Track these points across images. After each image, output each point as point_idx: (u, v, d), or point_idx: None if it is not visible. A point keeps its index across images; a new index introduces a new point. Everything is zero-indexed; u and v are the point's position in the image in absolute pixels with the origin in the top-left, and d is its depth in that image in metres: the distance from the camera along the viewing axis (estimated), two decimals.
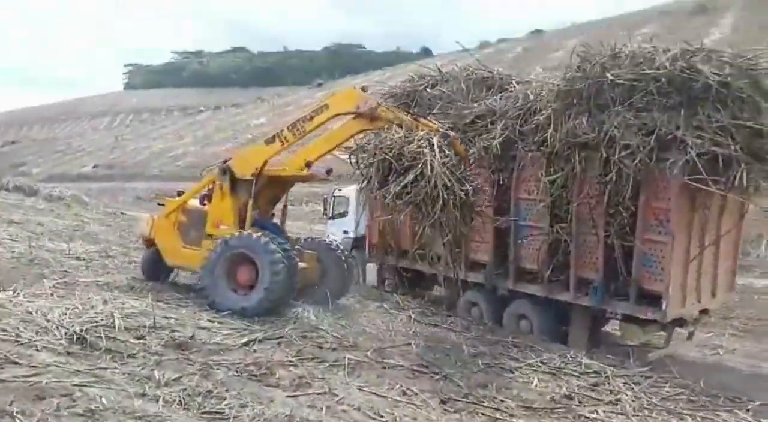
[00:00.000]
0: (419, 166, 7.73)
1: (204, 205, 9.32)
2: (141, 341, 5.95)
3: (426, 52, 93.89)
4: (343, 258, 9.97)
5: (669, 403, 5.86)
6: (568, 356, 7.24)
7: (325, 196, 14.70)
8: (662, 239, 8.05)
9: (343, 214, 13.81)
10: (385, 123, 8.54)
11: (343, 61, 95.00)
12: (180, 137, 54.84)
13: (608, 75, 8.41)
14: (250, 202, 8.76)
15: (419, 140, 7.96)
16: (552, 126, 8.90)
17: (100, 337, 5.68)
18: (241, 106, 65.03)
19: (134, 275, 9.78)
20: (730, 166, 7.41)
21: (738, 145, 7.38)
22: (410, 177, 7.76)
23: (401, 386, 5.68)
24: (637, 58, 8.41)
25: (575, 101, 8.69)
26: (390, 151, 8.00)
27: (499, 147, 9.57)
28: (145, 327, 6.28)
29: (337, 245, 10.37)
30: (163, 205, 9.69)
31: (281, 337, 6.78)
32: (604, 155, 8.30)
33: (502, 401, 5.61)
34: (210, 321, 7.09)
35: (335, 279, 9.77)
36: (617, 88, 8.37)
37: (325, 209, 14.36)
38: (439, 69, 12.02)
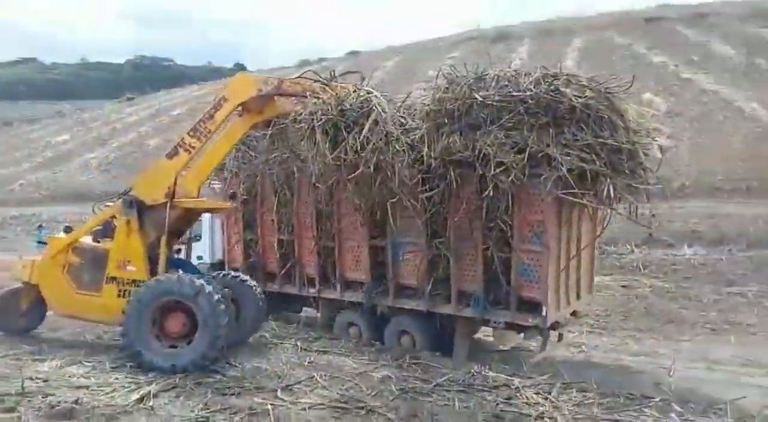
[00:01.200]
0: (371, 112, 7.65)
1: (98, 242, 8.09)
2: (12, 415, 4.89)
3: (240, 68, 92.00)
4: (258, 292, 9.23)
5: (586, 409, 6.18)
6: (472, 371, 7.35)
7: None
8: (538, 249, 8.55)
9: (196, 238, 12.87)
10: (280, 109, 8.32)
11: (150, 74, 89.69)
12: None
13: (477, 96, 8.82)
14: (164, 239, 7.73)
15: (354, 93, 7.72)
16: (426, 144, 9.08)
17: None
18: (38, 120, 58.19)
19: None
20: (596, 180, 8.09)
21: (602, 160, 8.08)
22: (369, 122, 7.57)
23: None
24: (502, 81, 8.91)
25: (446, 121, 8.96)
26: (331, 111, 7.60)
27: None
28: (11, 394, 5.19)
29: (248, 278, 9.52)
30: (44, 243, 8.35)
31: (175, 387, 6.01)
32: (480, 172, 8.66)
33: None
34: (84, 377, 6.08)
35: (251, 317, 9.00)
36: (486, 108, 8.79)
37: None
38: None
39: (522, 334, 9.35)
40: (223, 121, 8.09)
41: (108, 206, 8.05)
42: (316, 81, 8.71)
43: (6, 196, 36.23)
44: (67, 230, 8.77)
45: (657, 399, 6.48)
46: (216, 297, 7.26)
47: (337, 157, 7.85)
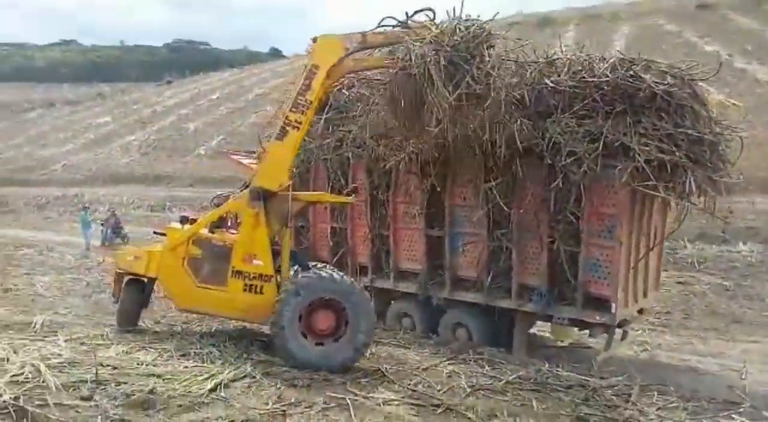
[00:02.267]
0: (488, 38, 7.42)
1: (213, 233, 7.76)
2: (90, 403, 4.79)
3: (276, 53, 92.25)
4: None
5: (671, 414, 5.88)
6: (543, 369, 7.08)
7: (207, 203, 13.56)
8: (609, 244, 8.17)
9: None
10: (346, 68, 7.96)
11: (188, 58, 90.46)
12: (9, 137, 48.62)
13: (548, 81, 8.46)
14: (288, 232, 7.47)
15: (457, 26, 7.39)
16: (490, 131, 8.75)
17: (46, 403, 4.46)
18: (80, 102, 59.11)
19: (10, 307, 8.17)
20: (675, 172, 7.68)
21: (682, 151, 7.66)
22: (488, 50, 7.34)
23: None
24: (575, 66, 8.53)
25: (514, 107, 8.62)
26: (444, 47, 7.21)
27: (431, 152, 9.27)
28: (85, 382, 5.10)
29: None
30: (162, 234, 8.02)
31: (245, 376, 5.87)
32: (549, 162, 8.32)
33: None
34: (154, 364, 5.97)
35: None
36: (558, 94, 8.44)
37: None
38: None
39: (587, 331, 9.03)
40: (320, 89, 7.68)
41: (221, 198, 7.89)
42: (395, 26, 7.99)
43: (50, 176, 36.94)
44: (183, 220, 8.41)
45: (747, 405, 6.13)
46: (368, 299, 7.26)
47: (460, 95, 7.25)
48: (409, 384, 6.30)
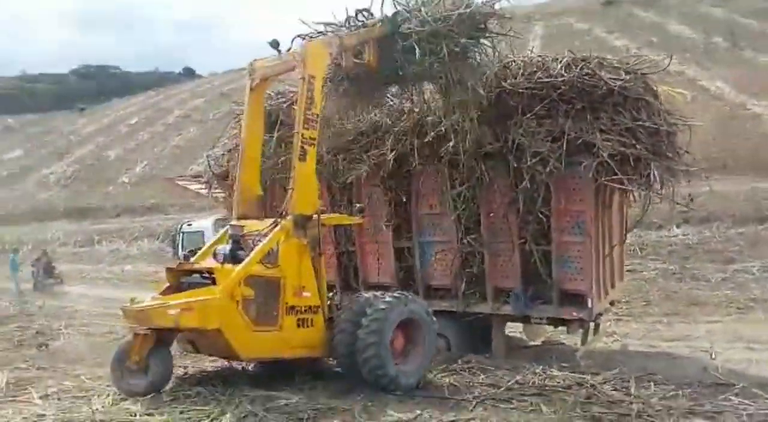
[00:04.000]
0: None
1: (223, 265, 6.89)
2: None
3: (189, 73, 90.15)
4: None
5: (674, 402, 5.95)
6: (537, 371, 7.06)
7: (172, 232, 12.96)
8: (580, 239, 8.30)
9: (192, 253, 12.23)
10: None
11: (99, 83, 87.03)
12: None
13: (505, 84, 8.54)
14: (323, 257, 7.31)
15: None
16: (454, 138, 8.76)
17: None
18: None
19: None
20: (638, 165, 7.90)
21: (642, 144, 7.89)
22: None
23: None
24: (530, 67, 8.64)
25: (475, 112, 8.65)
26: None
27: (392, 163, 9.18)
28: None
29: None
30: (206, 276, 6.88)
31: (246, 416, 5.51)
32: (514, 164, 8.38)
33: None
34: (147, 413, 5.47)
35: None
36: (516, 96, 8.53)
37: (174, 247, 12.62)
38: None
39: (559, 328, 9.14)
40: (320, 99, 7.40)
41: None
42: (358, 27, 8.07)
43: None
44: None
45: (740, 386, 6.31)
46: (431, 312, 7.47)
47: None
48: (414, 402, 6.12)
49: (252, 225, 7.37)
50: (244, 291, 6.55)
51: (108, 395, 6.10)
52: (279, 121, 10.57)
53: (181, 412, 5.48)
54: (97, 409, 5.51)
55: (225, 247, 7.07)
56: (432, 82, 8.52)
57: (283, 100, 10.89)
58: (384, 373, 6.68)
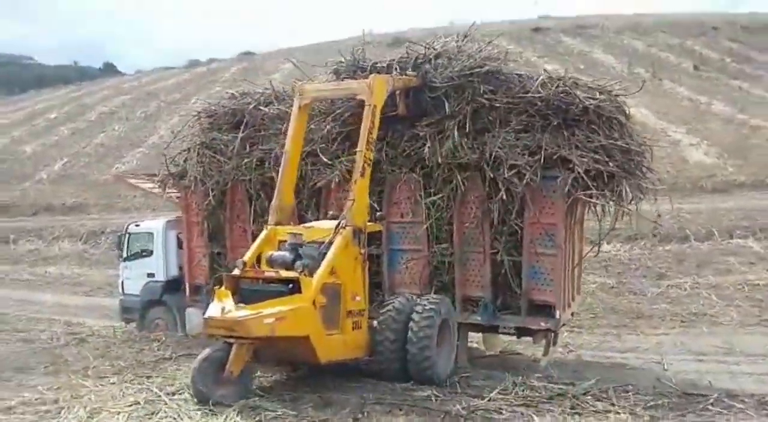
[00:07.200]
0: None
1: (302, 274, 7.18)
2: None
3: (111, 69, 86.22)
4: None
5: (657, 412, 6.12)
6: (517, 382, 7.11)
7: (119, 233, 12.25)
8: (551, 252, 8.51)
9: (145, 254, 11.66)
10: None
11: (11, 74, 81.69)
12: None
13: (483, 100, 8.69)
14: (366, 264, 7.90)
15: None
16: (430, 147, 8.81)
17: None
18: None
19: None
20: (611, 181, 8.21)
21: (615, 162, 8.21)
22: None
23: None
24: (508, 83, 8.84)
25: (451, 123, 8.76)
26: None
27: None
28: None
29: None
30: (268, 281, 7.23)
31: None
32: (490, 175, 8.51)
33: None
34: None
35: None
36: (494, 111, 8.70)
37: (120, 249, 11.93)
38: (272, 86, 10.98)
39: (518, 338, 9.31)
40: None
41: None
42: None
43: None
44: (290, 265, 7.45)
45: (714, 396, 6.59)
46: None
47: None
48: (402, 413, 6.02)
49: (309, 234, 7.77)
50: (321, 298, 7.02)
51: (78, 408, 5.61)
52: (244, 122, 10.34)
53: None
54: None
55: (284, 255, 7.42)
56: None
57: (248, 101, 10.64)
58: (431, 365, 7.45)
